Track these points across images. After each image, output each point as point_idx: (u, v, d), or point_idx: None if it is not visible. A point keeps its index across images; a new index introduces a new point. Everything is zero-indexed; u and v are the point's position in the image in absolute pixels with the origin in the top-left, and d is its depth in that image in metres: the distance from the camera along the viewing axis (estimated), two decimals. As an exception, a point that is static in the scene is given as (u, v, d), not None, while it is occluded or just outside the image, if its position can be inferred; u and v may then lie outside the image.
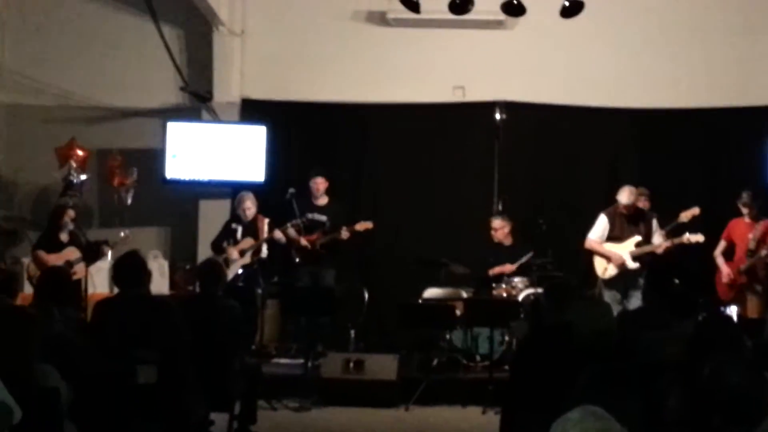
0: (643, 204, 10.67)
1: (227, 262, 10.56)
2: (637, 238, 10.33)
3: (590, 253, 10.58)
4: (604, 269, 10.40)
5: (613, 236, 10.42)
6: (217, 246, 11.03)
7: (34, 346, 4.89)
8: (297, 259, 11.13)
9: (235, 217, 11.20)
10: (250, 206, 11.03)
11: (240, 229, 11.03)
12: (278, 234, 10.89)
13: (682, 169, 12.03)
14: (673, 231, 10.35)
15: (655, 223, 10.44)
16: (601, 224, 10.49)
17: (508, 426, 6.48)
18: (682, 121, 12.10)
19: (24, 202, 12.60)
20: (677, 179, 11.93)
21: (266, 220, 11.01)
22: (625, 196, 10.36)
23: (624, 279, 10.30)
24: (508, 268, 10.94)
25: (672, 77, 12.08)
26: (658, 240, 10.31)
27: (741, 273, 10.42)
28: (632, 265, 10.26)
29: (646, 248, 10.27)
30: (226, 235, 11.09)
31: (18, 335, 4.83)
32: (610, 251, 10.39)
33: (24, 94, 12.56)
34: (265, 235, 10.94)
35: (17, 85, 12.55)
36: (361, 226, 11.03)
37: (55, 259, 10.51)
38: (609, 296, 10.17)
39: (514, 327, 9.69)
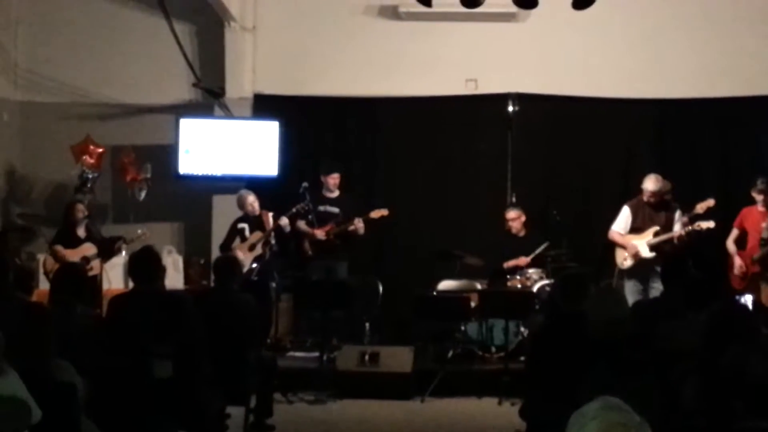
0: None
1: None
2: (656, 228, 10.29)
3: (612, 244, 10.58)
4: (623, 259, 10.37)
5: (636, 227, 10.37)
6: (226, 247, 10.97)
7: (50, 342, 4.91)
8: (310, 252, 11.13)
9: (242, 217, 11.13)
10: (253, 200, 10.99)
11: (247, 227, 11.00)
12: (284, 220, 10.83)
13: (697, 160, 12.00)
14: (689, 221, 10.29)
15: (678, 213, 10.39)
16: (624, 216, 10.46)
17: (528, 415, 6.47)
18: (696, 111, 12.04)
19: (39, 199, 12.64)
20: (692, 169, 11.90)
21: (270, 214, 10.98)
22: (651, 183, 10.29)
23: (643, 269, 10.26)
24: (523, 260, 10.93)
25: (686, 67, 12.02)
26: (678, 229, 10.26)
27: (754, 262, 10.35)
28: (647, 254, 10.21)
29: (663, 237, 10.22)
30: (234, 236, 11.05)
31: (34, 331, 4.86)
32: (624, 241, 10.36)
33: (38, 92, 12.61)
34: (271, 225, 10.93)
35: (31, 83, 12.60)
36: (377, 213, 10.95)
37: (72, 255, 10.59)
38: (630, 286, 10.13)
39: (530, 322, 9.68)
